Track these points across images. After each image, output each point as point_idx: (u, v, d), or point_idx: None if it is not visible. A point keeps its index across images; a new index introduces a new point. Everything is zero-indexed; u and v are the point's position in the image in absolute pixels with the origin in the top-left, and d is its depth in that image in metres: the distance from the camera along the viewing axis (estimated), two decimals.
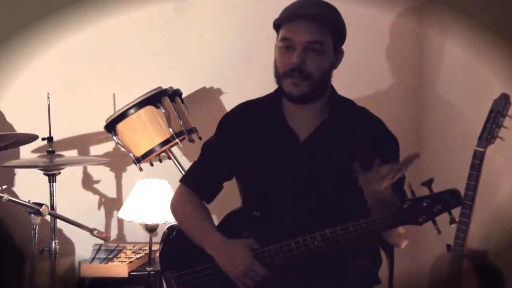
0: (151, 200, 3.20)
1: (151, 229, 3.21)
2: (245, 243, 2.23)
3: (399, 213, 2.08)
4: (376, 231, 2.13)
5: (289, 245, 2.17)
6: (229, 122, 2.41)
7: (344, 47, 2.32)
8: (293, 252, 2.17)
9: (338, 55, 2.29)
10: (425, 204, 2.06)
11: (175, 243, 2.41)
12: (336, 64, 2.29)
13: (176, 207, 2.45)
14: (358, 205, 2.18)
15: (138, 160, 3.12)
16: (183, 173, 3.06)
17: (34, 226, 2.80)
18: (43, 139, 3.11)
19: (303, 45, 2.20)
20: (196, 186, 2.41)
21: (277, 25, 2.28)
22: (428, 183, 2.07)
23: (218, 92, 3.55)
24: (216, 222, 2.39)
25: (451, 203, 2.07)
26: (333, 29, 2.23)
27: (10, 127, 3.46)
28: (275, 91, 2.33)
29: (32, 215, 2.77)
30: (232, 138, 2.36)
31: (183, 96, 3.24)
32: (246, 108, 2.40)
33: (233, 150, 2.35)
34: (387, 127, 2.34)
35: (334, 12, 2.29)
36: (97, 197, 3.57)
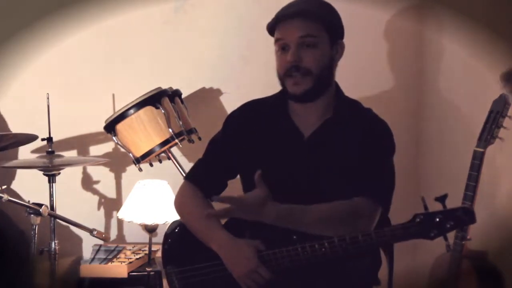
0: (150, 201, 3.19)
1: (151, 230, 3.20)
2: (251, 244, 2.22)
3: (411, 226, 2.07)
4: (385, 242, 2.13)
5: (296, 250, 2.16)
6: (235, 120, 2.42)
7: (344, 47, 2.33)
8: (299, 257, 2.16)
9: (338, 48, 2.30)
10: (437, 219, 2.05)
11: (178, 239, 2.41)
12: (337, 57, 2.30)
13: (181, 204, 2.44)
14: None
15: (137, 161, 3.12)
16: (183, 173, 3.08)
17: (34, 226, 2.80)
18: (43, 139, 3.10)
19: (296, 41, 2.22)
20: (201, 183, 2.41)
21: (271, 30, 2.30)
22: (442, 199, 2.07)
23: (218, 92, 3.55)
24: None
25: (464, 220, 2.06)
26: (325, 22, 2.25)
27: (9, 127, 3.46)
28: (281, 90, 2.34)
29: (32, 215, 2.77)
30: (238, 136, 2.37)
31: (183, 96, 3.24)
32: (252, 107, 2.41)
33: (238, 148, 2.35)
34: (389, 129, 2.34)
35: (324, 6, 2.30)
36: (96, 198, 3.57)
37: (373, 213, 2.24)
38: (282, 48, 2.26)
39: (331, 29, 2.26)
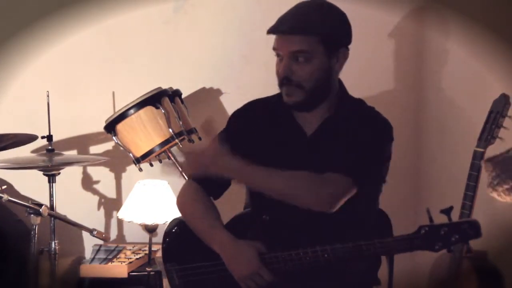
0: (150, 201, 3.19)
1: (151, 230, 3.20)
2: (253, 245, 2.22)
3: (416, 238, 2.08)
4: (388, 252, 2.13)
5: (298, 254, 2.16)
6: (238, 118, 2.42)
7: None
8: (301, 261, 2.16)
9: (338, 57, 2.26)
10: (443, 232, 2.06)
11: (179, 236, 2.41)
12: (336, 66, 2.27)
13: (183, 203, 2.44)
14: (364, 205, 2.21)
15: (137, 161, 3.12)
16: (183, 173, 3.08)
17: (34, 226, 2.80)
18: (43, 137, 3.10)
19: (288, 55, 2.22)
20: (204, 181, 2.39)
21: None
22: (448, 211, 2.07)
23: (218, 92, 3.55)
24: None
25: (469, 234, 2.06)
26: (320, 35, 2.20)
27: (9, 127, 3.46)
28: None
29: (32, 215, 2.77)
30: (241, 135, 2.37)
31: (183, 96, 3.24)
32: (255, 106, 2.42)
33: (241, 147, 2.35)
34: (389, 123, 2.32)
35: (322, 16, 2.23)
36: (96, 198, 3.57)
37: (343, 188, 2.18)
38: (278, 56, 2.26)
39: (328, 40, 2.22)
